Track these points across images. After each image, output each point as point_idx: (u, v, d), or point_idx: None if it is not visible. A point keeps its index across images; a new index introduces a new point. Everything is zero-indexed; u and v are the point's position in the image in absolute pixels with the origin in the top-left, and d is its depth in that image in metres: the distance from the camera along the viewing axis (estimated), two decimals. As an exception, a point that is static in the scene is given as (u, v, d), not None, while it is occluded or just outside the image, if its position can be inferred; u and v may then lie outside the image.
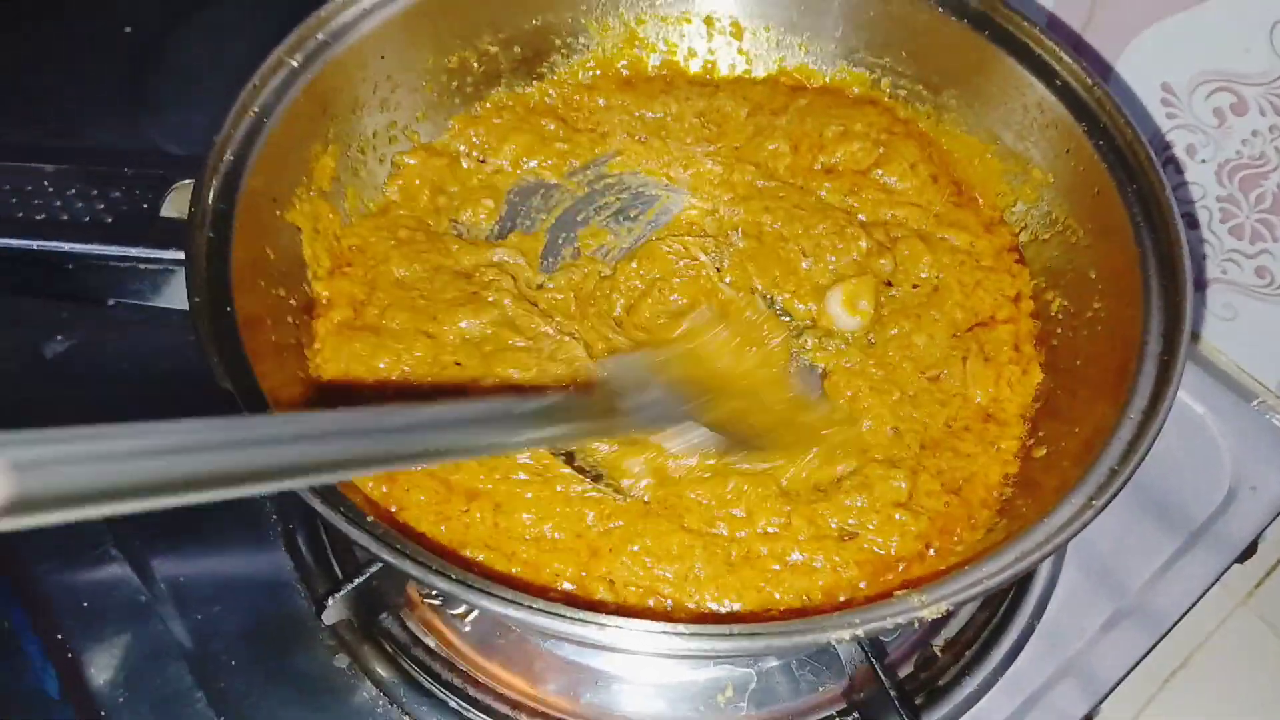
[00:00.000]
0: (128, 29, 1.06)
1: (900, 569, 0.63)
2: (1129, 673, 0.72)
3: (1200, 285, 0.93)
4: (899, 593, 0.51)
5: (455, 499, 0.64)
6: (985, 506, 0.65)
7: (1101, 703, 0.70)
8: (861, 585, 0.61)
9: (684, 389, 0.67)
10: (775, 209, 0.82)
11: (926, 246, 0.79)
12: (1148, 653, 0.72)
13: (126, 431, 0.40)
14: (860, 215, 0.82)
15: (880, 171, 0.84)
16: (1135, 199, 0.68)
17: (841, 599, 0.61)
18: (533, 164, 0.85)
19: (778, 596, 0.62)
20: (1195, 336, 0.95)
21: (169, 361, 0.80)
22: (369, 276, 0.75)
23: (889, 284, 0.79)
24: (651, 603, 0.62)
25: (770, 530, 0.64)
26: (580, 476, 0.67)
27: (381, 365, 0.70)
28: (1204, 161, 0.86)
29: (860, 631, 0.49)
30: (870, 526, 0.64)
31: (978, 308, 0.76)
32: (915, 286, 0.79)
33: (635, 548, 0.64)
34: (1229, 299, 0.91)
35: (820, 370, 0.75)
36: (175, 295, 0.72)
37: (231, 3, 1.08)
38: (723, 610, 0.61)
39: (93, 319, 0.81)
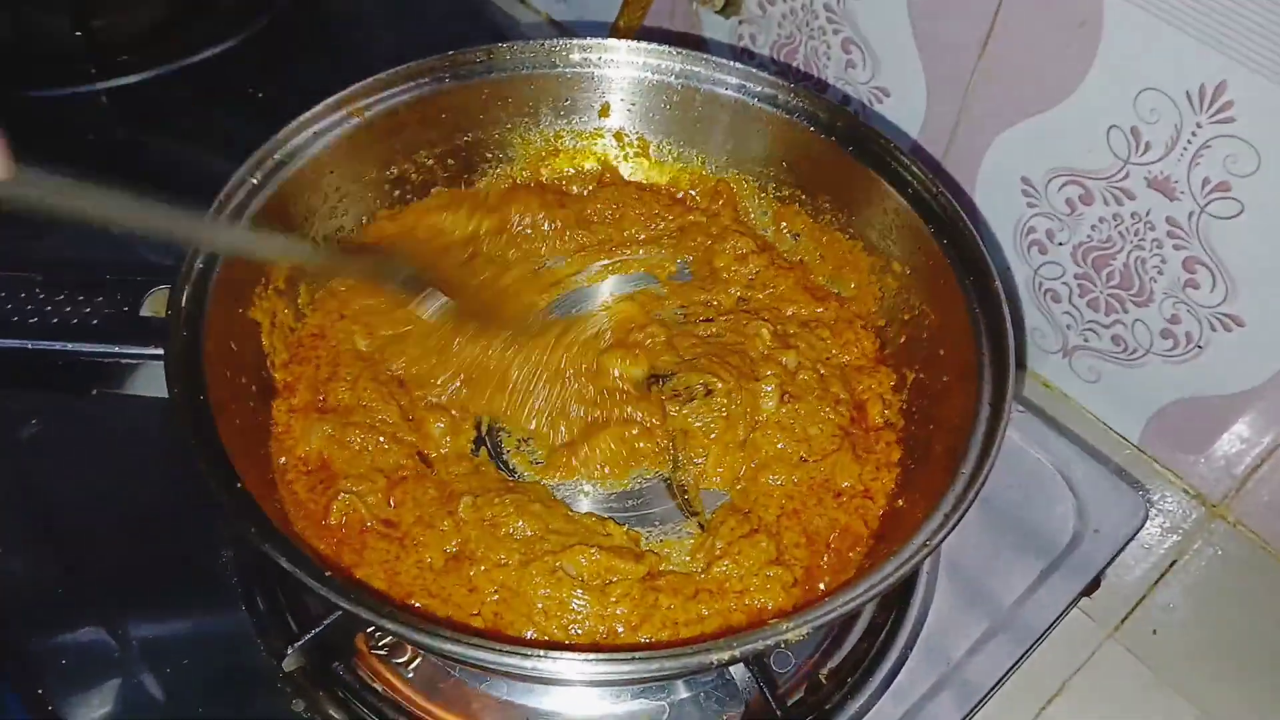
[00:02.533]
0: (91, 137, 1.17)
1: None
2: (1001, 681, 0.82)
3: (1067, 352, 1.05)
4: (771, 621, 0.63)
5: (408, 556, 0.76)
6: (855, 551, 0.78)
7: (976, 710, 0.81)
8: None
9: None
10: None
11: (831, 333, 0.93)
12: (1017, 663, 0.83)
13: None
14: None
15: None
16: (972, 288, 0.81)
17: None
18: None
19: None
20: (1064, 397, 1.08)
21: (135, 441, 0.90)
22: (330, 357, 0.86)
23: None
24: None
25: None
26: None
27: (352, 440, 0.81)
28: (1061, 244, 0.97)
29: (738, 652, 0.60)
30: (752, 589, 0.75)
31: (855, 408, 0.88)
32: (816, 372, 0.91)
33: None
34: (1091, 363, 1.03)
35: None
36: (143, 384, 0.83)
37: (189, 113, 1.20)
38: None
39: (63, 404, 0.92)
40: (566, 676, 0.61)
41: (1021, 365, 1.10)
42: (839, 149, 0.92)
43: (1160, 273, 0.91)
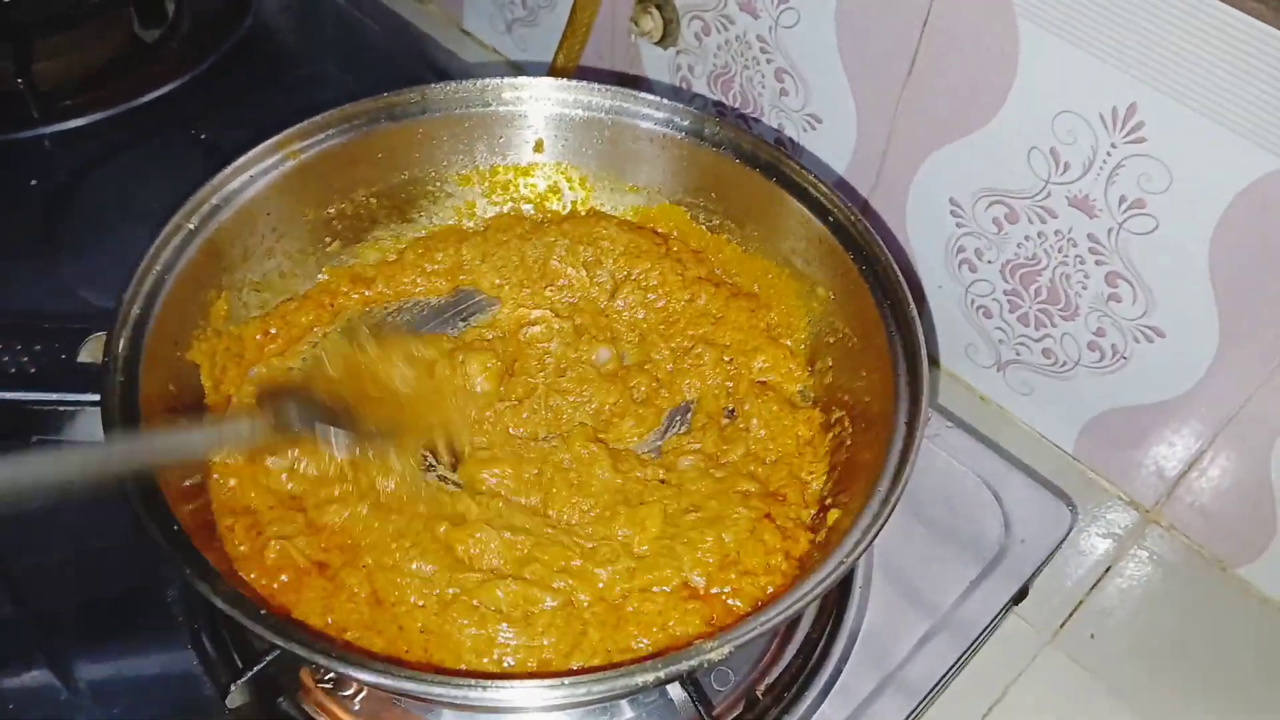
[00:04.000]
0: (33, 182, 1.17)
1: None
2: (937, 689, 0.85)
3: (1001, 366, 1.08)
4: (695, 642, 0.65)
5: (341, 593, 0.77)
6: (785, 576, 0.80)
7: (919, 711, 0.83)
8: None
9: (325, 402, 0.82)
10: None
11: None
12: (950, 671, 0.86)
13: None
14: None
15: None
16: (889, 312, 0.83)
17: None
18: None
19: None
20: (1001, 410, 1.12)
21: (78, 485, 0.91)
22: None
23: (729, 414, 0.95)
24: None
25: None
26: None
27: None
28: (990, 262, 1.00)
29: (663, 673, 0.62)
30: (672, 624, 0.77)
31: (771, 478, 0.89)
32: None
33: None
34: (1024, 377, 1.06)
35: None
36: (83, 430, 0.84)
37: (132, 156, 1.21)
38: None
39: (2, 451, 0.93)
40: (499, 702, 0.63)
41: (935, 363, 1.14)
42: (763, 179, 0.94)
43: (1084, 288, 0.94)
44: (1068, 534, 0.93)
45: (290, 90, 1.30)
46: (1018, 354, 1.05)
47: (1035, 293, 1.00)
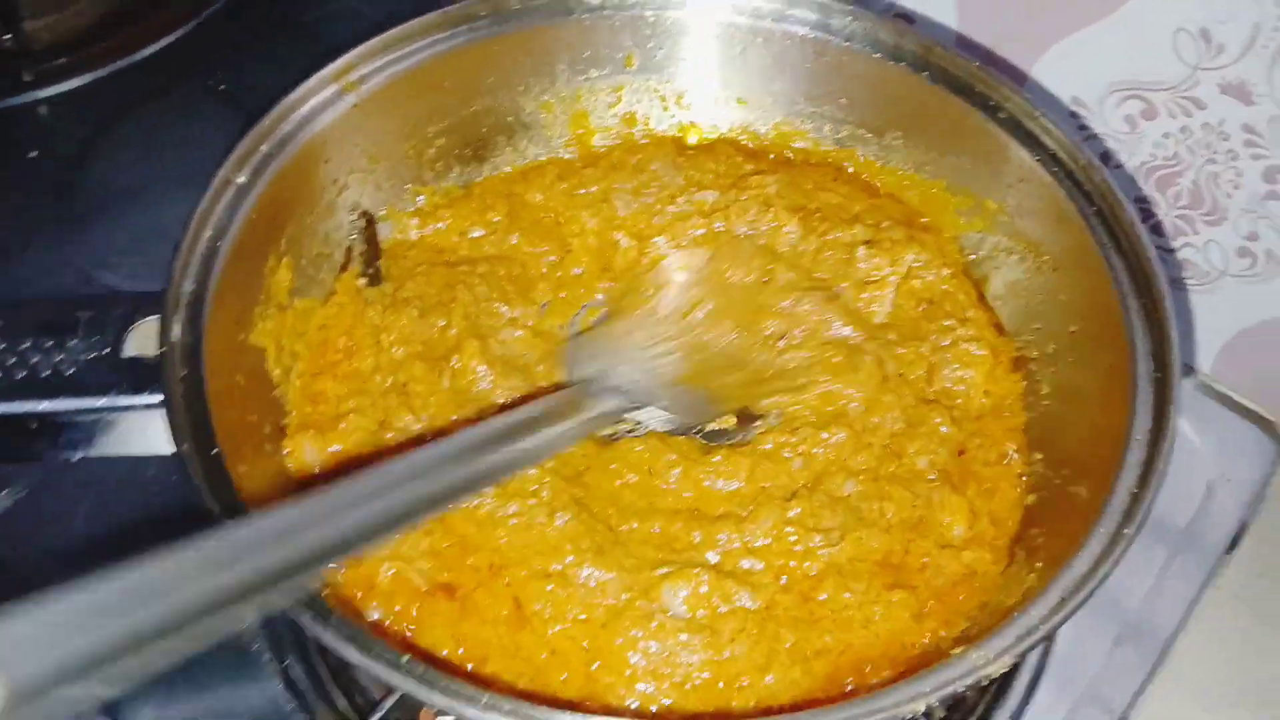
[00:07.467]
0: (33, 154, 0.99)
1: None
2: (1144, 687, 0.73)
3: None
4: (955, 651, 0.49)
5: (473, 616, 0.59)
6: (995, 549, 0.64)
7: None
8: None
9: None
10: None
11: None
12: (1157, 665, 0.74)
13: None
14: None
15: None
16: (1098, 221, 0.66)
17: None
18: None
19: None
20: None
21: (122, 508, 0.74)
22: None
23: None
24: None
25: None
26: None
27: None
28: (1119, 166, 0.89)
29: (934, 699, 0.46)
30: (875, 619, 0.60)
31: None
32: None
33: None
34: None
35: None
36: (133, 438, 0.66)
37: (144, 115, 1.03)
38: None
39: (35, 471, 0.75)
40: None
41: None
42: (912, 74, 0.75)
43: (1236, 187, 0.84)
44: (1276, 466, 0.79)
45: (313, 29, 1.12)
46: (1151, 266, 0.93)
47: (1174, 197, 0.88)
